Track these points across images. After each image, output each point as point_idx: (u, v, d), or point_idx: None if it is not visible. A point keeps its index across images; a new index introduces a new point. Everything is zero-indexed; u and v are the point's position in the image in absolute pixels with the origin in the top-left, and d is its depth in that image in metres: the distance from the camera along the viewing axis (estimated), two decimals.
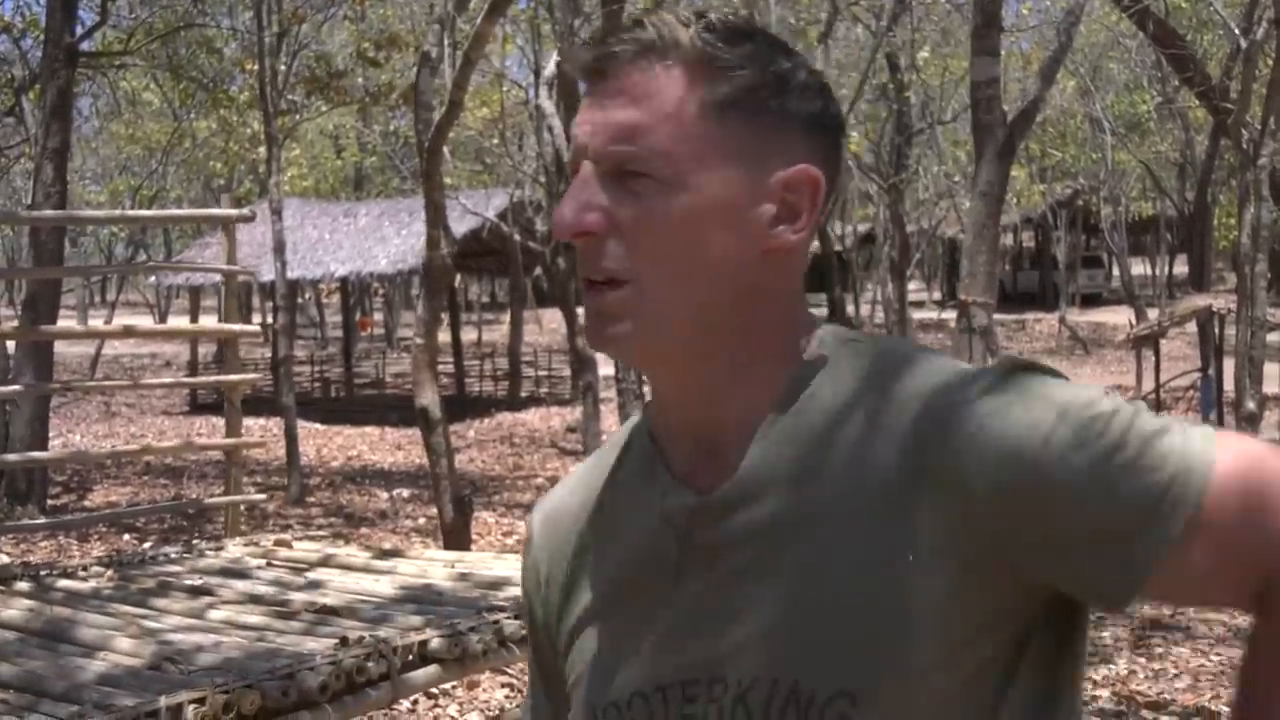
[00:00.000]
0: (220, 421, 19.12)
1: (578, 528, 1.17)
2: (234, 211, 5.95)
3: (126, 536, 10.82)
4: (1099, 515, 0.96)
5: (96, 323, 32.34)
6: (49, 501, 12.02)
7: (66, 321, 29.12)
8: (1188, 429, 0.99)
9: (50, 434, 12.82)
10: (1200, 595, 1.05)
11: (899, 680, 0.98)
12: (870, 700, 0.98)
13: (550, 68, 14.27)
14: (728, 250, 1.03)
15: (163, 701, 2.90)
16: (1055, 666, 1.04)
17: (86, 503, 12.81)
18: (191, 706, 2.92)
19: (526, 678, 1.29)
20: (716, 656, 1.03)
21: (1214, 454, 0.96)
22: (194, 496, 12.24)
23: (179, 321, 34.51)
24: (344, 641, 3.43)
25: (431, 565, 4.89)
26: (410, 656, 3.49)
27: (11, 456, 9.04)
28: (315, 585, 4.52)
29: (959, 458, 0.98)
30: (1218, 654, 6.72)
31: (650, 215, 1.02)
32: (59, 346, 17.17)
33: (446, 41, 10.33)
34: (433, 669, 3.57)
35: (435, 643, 3.55)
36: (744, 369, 1.07)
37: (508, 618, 3.81)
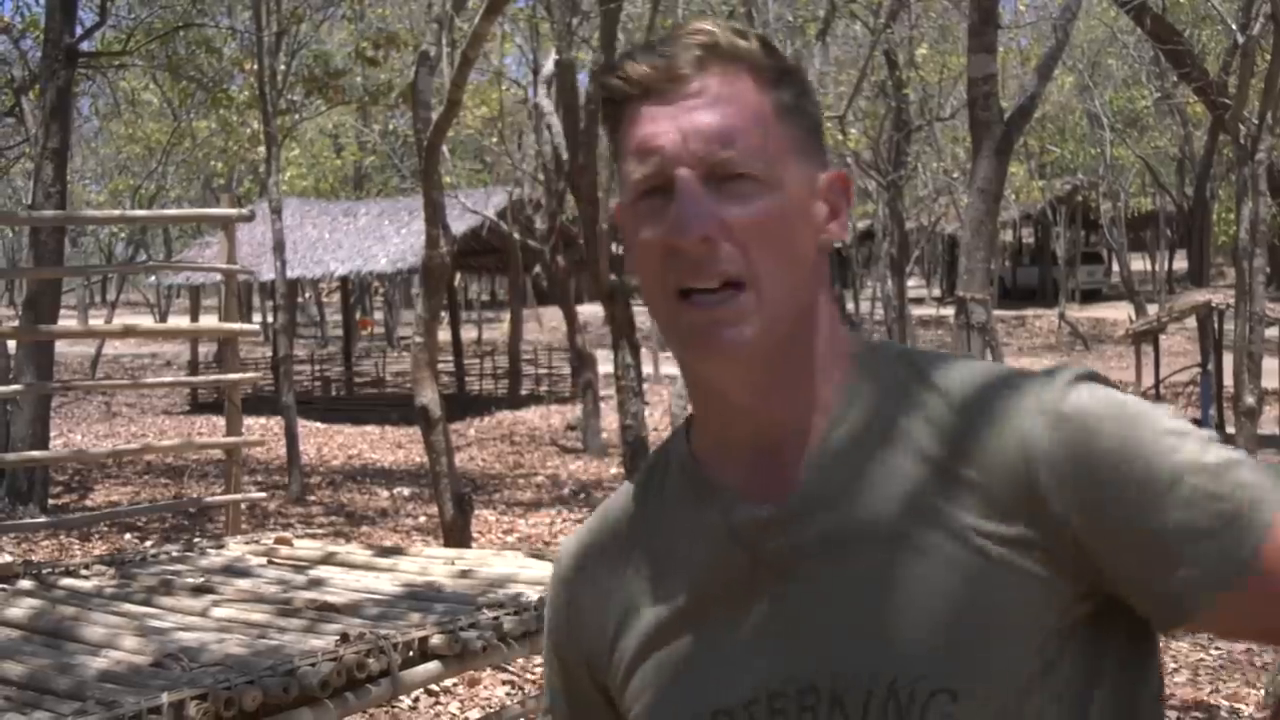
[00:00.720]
0: (221, 420, 19.18)
1: (621, 560, 1.15)
2: (233, 211, 5.97)
3: (128, 536, 10.84)
4: (1166, 539, 0.97)
5: (97, 323, 32.34)
6: (50, 501, 12.04)
7: (67, 321, 29.12)
8: (1255, 464, 0.99)
9: (51, 434, 12.84)
10: (1253, 631, 1.04)
11: (999, 678, 0.99)
12: (971, 697, 0.98)
13: (549, 66, 14.29)
14: (807, 247, 1.07)
15: (165, 698, 2.91)
16: (1136, 674, 1.05)
17: (87, 502, 12.83)
18: (194, 703, 2.94)
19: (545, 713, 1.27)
20: (801, 666, 1.03)
21: None
22: (195, 496, 12.26)
23: (179, 321, 34.54)
24: (345, 638, 3.45)
25: (432, 563, 4.91)
26: (411, 653, 3.51)
27: (12, 456, 9.05)
28: (317, 583, 4.53)
29: (1032, 471, 0.99)
30: (1217, 649, 6.73)
31: (760, 216, 1.03)
32: (59, 346, 17.21)
33: (445, 41, 10.35)
34: (433, 665, 3.58)
35: (435, 639, 3.57)
36: (805, 370, 1.08)
37: (508, 614, 3.82)
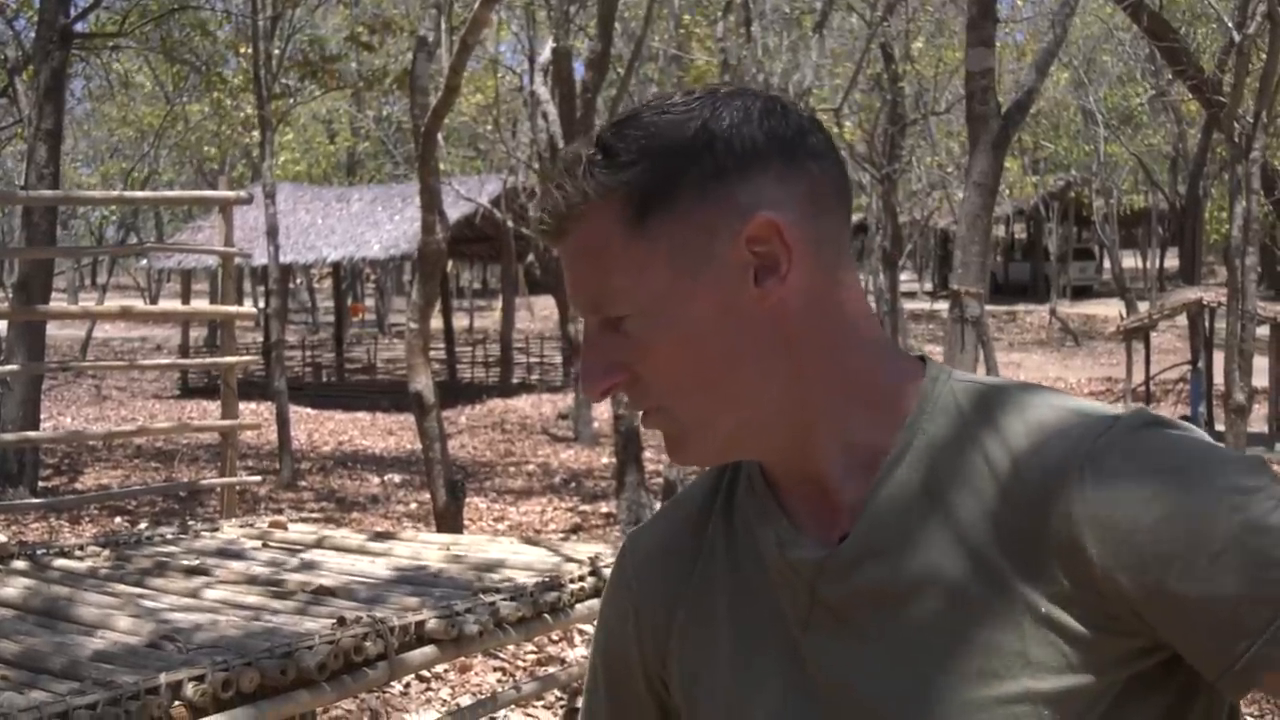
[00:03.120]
0: (211, 405, 19.15)
1: (687, 564, 1.15)
2: (231, 194, 5.95)
3: (119, 519, 10.83)
4: (1218, 606, 0.91)
5: (89, 305, 32.29)
6: (40, 484, 12.02)
7: (58, 304, 29.05)
8: None
9: (41, 417, 12.81)
10: None
11: None
12: None
13: (545, 54, 14.27)
14: (728, 336, 1.01)
15: (163, 679, 2.91)
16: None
17: (77, 485, 12.82)
18: (191, 684, 2.94)
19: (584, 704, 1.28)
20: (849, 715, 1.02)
21: None
22: (185, 479, 12.24)
23: (169, 305, 34.48)
24: (342, 621, 3.45)
25: (426, 548, 4.91)
26: (407, 637, 3.51)
27: (8, 436, 9.02)
28: (311, 566, 4.54)
29: (1076, 526, 0.94)
30: None
31: (645, 351, 1.02)
32: (49, 329, 17.18)
33: (443, 26, 10.33)
34: (429, 649, 3.58)
35: (432, 623, 3.57)
36: (828, 424, 1.04)
37: (503, 599, 3.83)
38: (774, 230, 0.99)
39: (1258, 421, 14.73)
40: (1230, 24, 11.71)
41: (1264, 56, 10.57)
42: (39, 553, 4.81)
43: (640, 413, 1.07)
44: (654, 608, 1.16)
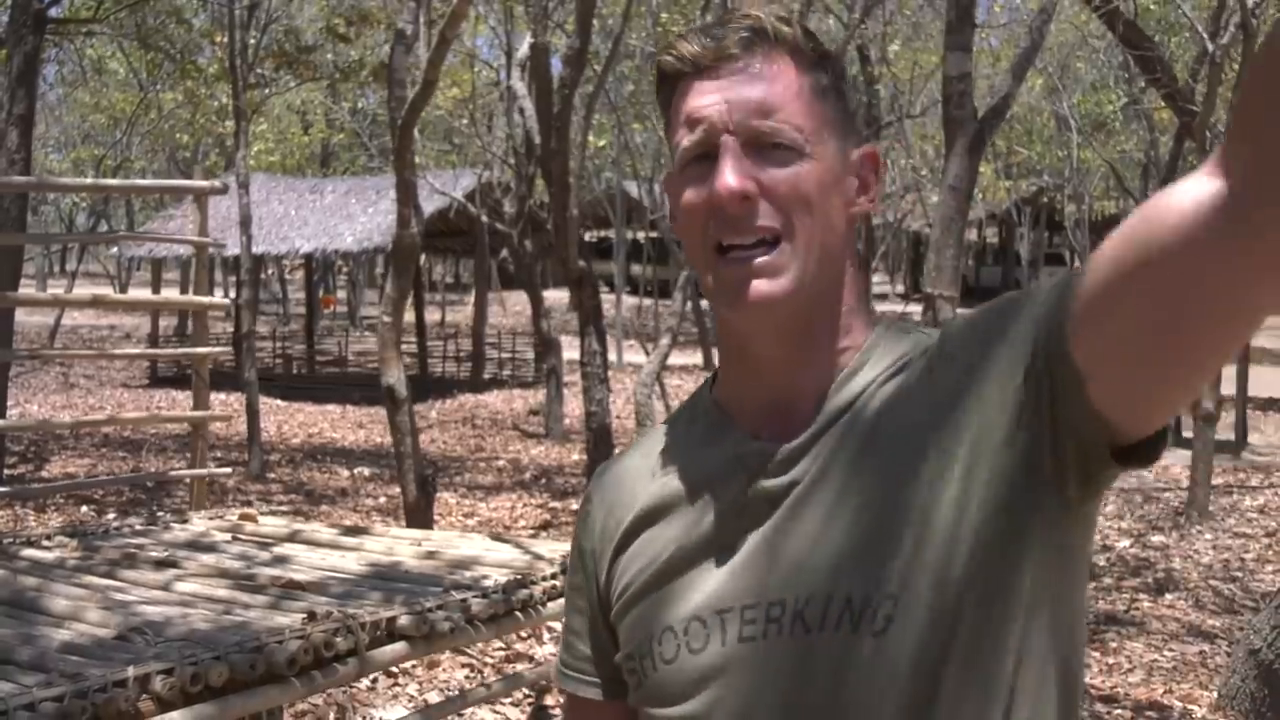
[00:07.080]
0: (180, 395, 19.00)
1: (645, 476, 1.29)
2: (206, 183, 5.91)
3: (85, 508, 10.75)
4: (1028, 309, 1.10)
5: (57, 293, 32.00)
6: (6, 472, 11.91)
7: (26, 291, 28.79)
8: None
9: (8, 404, 12.69)
10: (1134, 355, 1.03)
11: (937, 585, 1.08)
12: (910, 601, 1.08)
13: (523, 49, 14.23)
14: (838, 216, 1.19)
15: (131, 672, 2.89)
16: (1064, 582, 1.15)
17: (44, 474, 12.70)
18: (159, 678, 2.92)
19: (564, 621, 1.41)
20: (775, 583, 1.14)
21: None
22: (153, 470, 12.16)
23: (140, 294, 34.21)
24: (312, 616, 3.43)
25: (398, 543, 4.89)
26: (378, 633, 3.50)
27: None
28: (282, 560, 4.51)
29: (941, 344, 1.15)
30: (1171, 649, 6.81)
31: (796, 179, 1.15)
32: (18, 315, 17.00)
33: (421, 19, 10.29)
34: (400, 646, 3.57)
35: (403, 620, 3.55)
36: (830, 333, 1.21)
37: (475, 597, 3.82)
38: (876, 161, 1.23)
39: (1225, 429, 14.84)
40: (1204, 34, 11.79)
41: (1237, 67, 10.64)
42: (6, 542, 4.77)
43: (721, 250, 1.16)
44: (609, 521, 1.30)
